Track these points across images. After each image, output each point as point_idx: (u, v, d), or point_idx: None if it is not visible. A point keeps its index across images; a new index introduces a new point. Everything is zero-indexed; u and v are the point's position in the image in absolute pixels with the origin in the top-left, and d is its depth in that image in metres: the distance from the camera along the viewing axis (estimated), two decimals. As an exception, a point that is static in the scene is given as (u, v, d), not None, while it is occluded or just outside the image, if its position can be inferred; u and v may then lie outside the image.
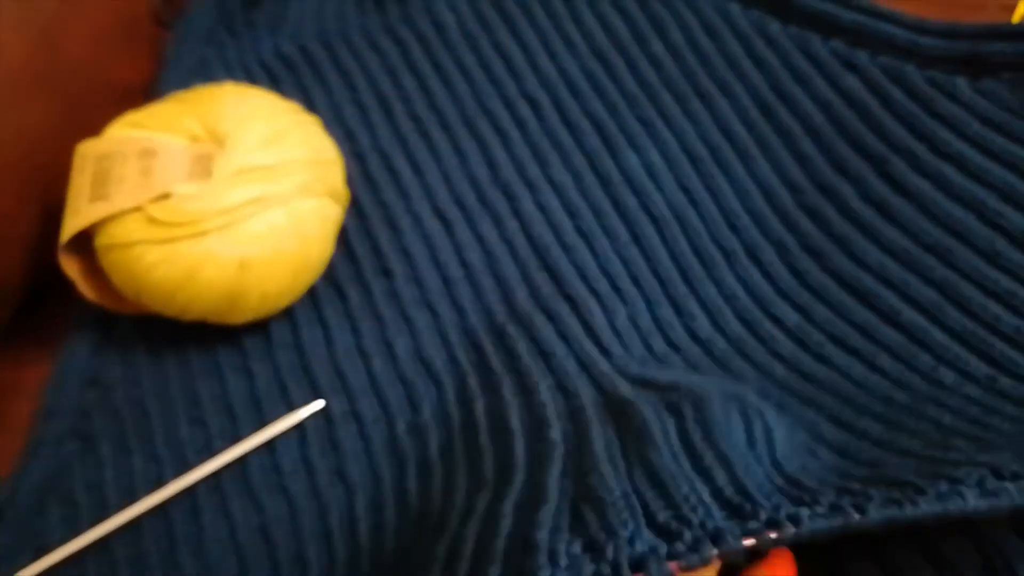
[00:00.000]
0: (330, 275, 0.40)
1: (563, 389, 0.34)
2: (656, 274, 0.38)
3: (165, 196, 0.35)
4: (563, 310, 0.37)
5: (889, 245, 0.37)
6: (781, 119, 0.42)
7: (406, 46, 0.48)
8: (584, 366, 0.35)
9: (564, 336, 0.36)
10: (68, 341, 0.40)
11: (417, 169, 0.43)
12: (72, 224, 0.36)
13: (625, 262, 0.39)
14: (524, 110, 0.44)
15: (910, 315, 0.35)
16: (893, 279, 0.36)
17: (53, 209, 0.39)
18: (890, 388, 0.34)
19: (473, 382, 0.36)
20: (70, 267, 0.37)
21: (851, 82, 0.42)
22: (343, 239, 0.41)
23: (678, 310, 0.37)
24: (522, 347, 0.36)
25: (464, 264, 0.40)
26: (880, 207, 0.38)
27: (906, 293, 0.36)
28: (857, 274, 0.37)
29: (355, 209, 0.42)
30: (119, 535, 0.35)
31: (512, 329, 0.37)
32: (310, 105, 0.46)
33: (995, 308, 0.35)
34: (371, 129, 0.45)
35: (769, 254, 0.38)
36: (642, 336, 0.37)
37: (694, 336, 0.37)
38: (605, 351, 0.36)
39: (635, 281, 0.38)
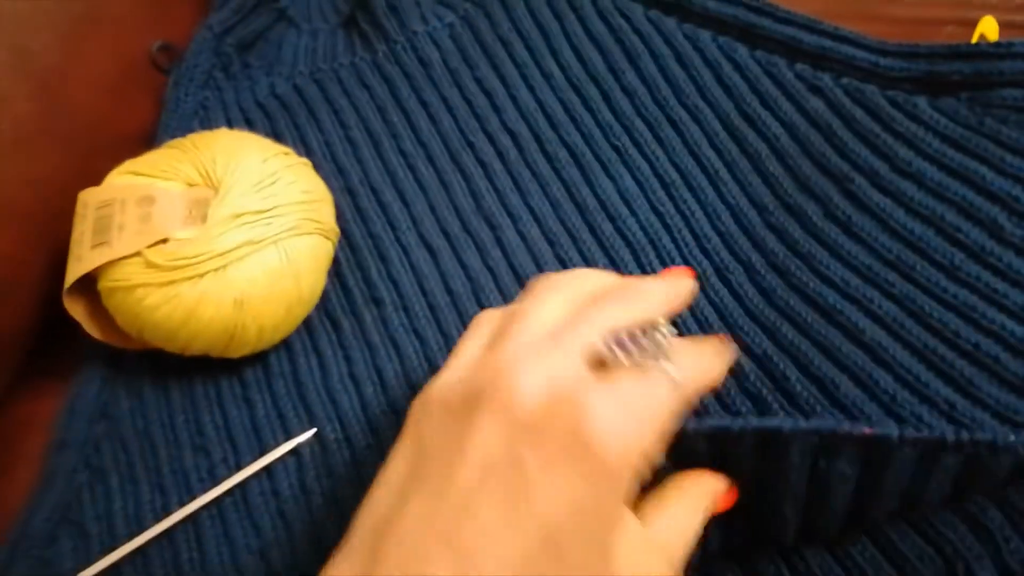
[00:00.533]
0: (324, 306, 0.43)
1: None
2: None
3: (163, 241, 0.38)
4: None
5: (852, 261, 0.39)
6: (749, 142, 0.44)
7: (393, 83, 0.50)
8: None
9: None
10: (78, 376, 0.43)
11: (405, 201, 0.45)
12: (75, 270, 0.38)
13: None
14: (505, 141, 0.46)
15: (873, 332, 0.37)
16: (856, 295, 0.38)
17: (61, 252, 0.41)
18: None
19: None
20: (75, 309, 0.40)
21: (815, 104, 0.44)
22: (336, 271, 0.44)
23: None
24: None
25: (449, 291, 0.42)
26: (843, 225, 0.40)
27: (869, 309, 0.37)
28: (821, 290, 0.38)
29: (347, 241, 0.45)
30: (128, 561, 0.37)
31: None
32: (304, 142, 0.49)
33: (955, 322, 0.36)
34: (361, 164, 0.47)
35: (738, 274, 0.40)
36: None
37: None
38: None
39: None
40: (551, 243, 0.43)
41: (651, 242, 0.42)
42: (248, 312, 0.38)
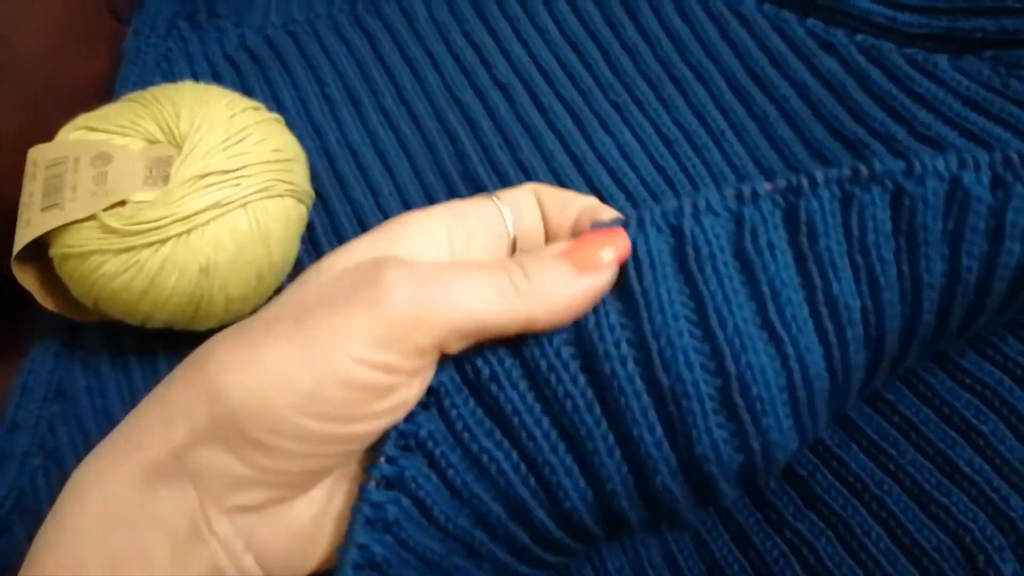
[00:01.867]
0: (297, 275, 0.39)
1: None
2: None
3: (121, 203, 0.34)
4: None
5: None
6: (756, 103, 0.41)
7: (375, 37, 0.46)
8: None
9: None
10: (31, 351, 0.39)
11: (386, 164, 0.42)
12: (23, 235, 0.35)
13: None
14: (495, 97, 0.43)
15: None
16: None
17: (9, 215, 0.38)
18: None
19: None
20: (25, 278, 0.36)
21: (828, 63, 0.41)
22: (310, 237, 0.40)
23: None
24: None
25: (434, 262, 0.39)
26: None
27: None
28: None
29: (323, 206, 0.41)
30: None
31: None
32: (277, 99, 0.45)
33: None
34: (339, 123, 0.44)
35: None
36: None
37: None
38: None
39: None
40: None
41: (653, 197, 0.39)
42: (215, 280, 0.35)
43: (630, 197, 0.39)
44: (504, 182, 0.40)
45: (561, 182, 0.40)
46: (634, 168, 0.40)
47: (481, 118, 0.42)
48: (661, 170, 0.39)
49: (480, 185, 0.40)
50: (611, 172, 0.39)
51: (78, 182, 0.35)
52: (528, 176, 0.40)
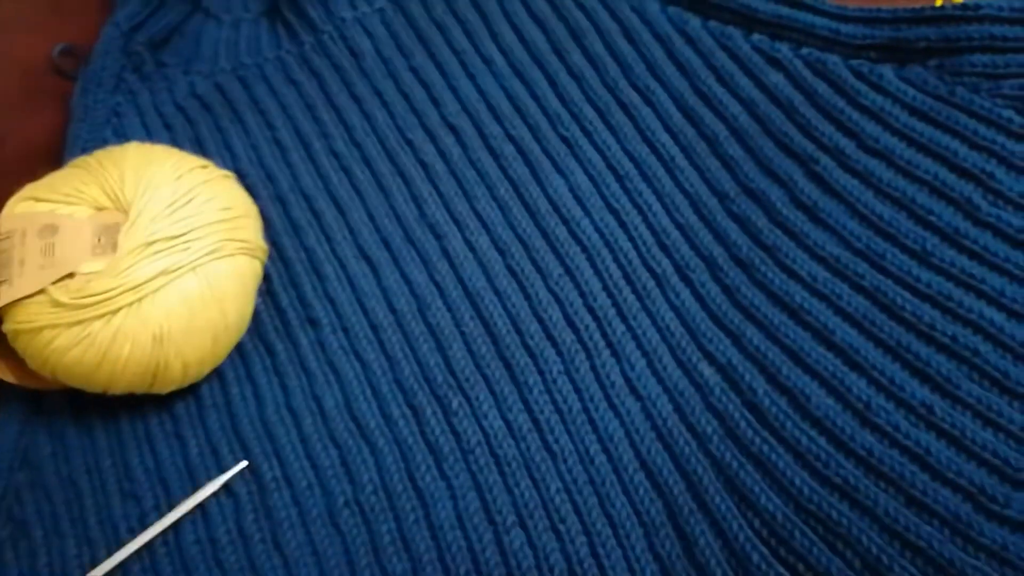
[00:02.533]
0: (257, 329, 0.39)
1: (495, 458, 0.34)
2: (591, 311, 0.37)
3: (70, 275, 0.34)
4: (501, 376, 0.36)
5: (819, 252, 0.36)
6: (706, 123, 0.41)
7: (322, 77, 0.46)
8: (516, 439, 0.35)
9: (500, 406, 0.36)
10: (-4, 421, 0.39)
11: (340, 209, 0.42)
12: (-27, 314, 0.35)
13: (560, 302, 0.38)
14: (447, 139, 0.43)
15: (843, 332, 0.34)
16: (824, 290, 0.35)
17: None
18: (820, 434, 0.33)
19: (416, 453, 0.35)
20: (-19, 355, 0.36)
21: (775, 78, 0.41)
22: (268, 289, 0.40)
23: (616, 354, 0.36)
24: (462, 414, 0.35)
25: (392, 309, 0.39)
26: (809, 211, 0.37)
27: (838, 306, 0.35)
28: (788, 287, 0.36)
29: (279, 255, 0.41)
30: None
31: (450, 395, 0.36)
32: (229, 147, 0.45)
33: (929, 314, 0.34)
34: (291, 169, 0.44)
35: (700, 272, 0.37)
36: (581, 395, 0.35)
37: (633, 390, 0.35)
38: (536, 424, 0.35)
39: (570, 324, 0.37)
40: (501, 252, 0.39)
41: (607, 244, 0.39)
42: (169, 348, 0.35)
43: (585, 250, 0.39)
44: (463, 232, 0.40)
45: (518, 237, 0.39)
46: (587, 214, 0.39)
47: (435, 161, 0.42)
48: (614, 211, 0.39)
49: (438, 232, 0.40)
50: (566, 222, 0.39)
51: (25, 256, 0.35)
52: (487, 229, 0.40)
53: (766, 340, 0.35)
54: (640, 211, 0.39)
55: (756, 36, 0.42)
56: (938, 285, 0.34)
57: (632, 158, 0.41)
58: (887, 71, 0.40)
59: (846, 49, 0.41)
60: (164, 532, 0.35)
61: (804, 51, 0.42)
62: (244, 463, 0.36)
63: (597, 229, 0.39)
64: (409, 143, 0.43)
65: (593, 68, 0.43)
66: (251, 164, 0.44)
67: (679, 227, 0.39)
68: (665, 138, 0.41)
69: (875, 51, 0.40)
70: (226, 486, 0.36)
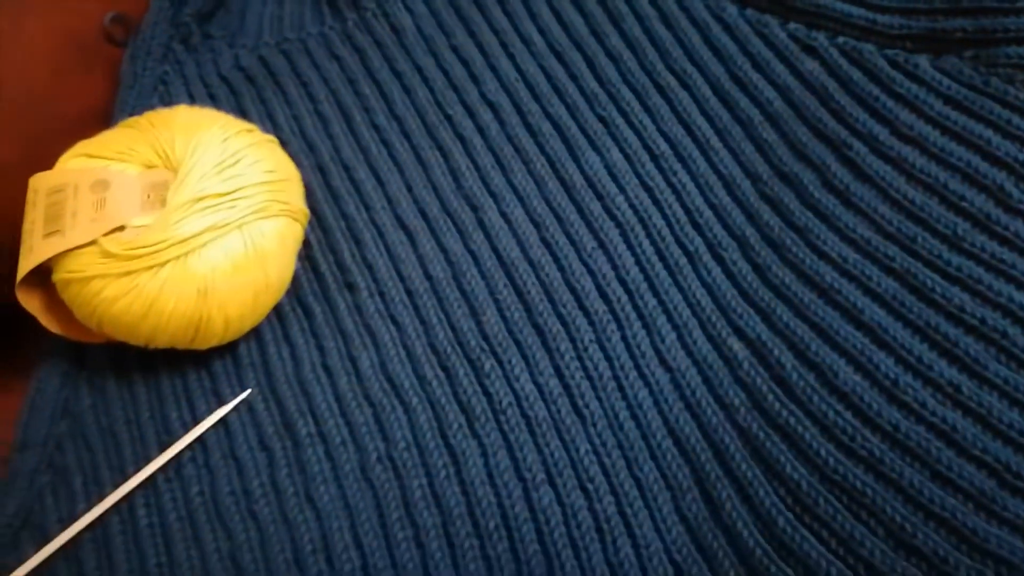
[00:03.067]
0: (295, 292, 0.40)
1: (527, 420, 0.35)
2: (623, 284, 0.38)
3: (120, 228, 0.35)
4: (533, 342, 0.37)
5: (850, 234, 0.37)
6: (741, 108, 0.41)
7: (364, 53, 0.47)
8: (546, 402, 0.35)
9: (531, 370, 0.36)
10: (39, 371, 0.40)
11: (379, 180, 0.43)
12: (27, 262, 0.36)
13: (592, 274, 0.38)
14: (485, 115, 0.44)
15: (872, 311, 0.35)
16: (854, 271, 0.36)
17: (13, 243, 0.39)
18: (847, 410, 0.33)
19: (449, 412, 0.36)
20: (30, 303, 0.37)
21: (810, 66, 0.42)
22: (307, 254, 0.41)
23: (647, 327, 0.37)
24: (493, 376, 0.36)
25: (428, 276, 0.40)
26: (841, 195, 0.38)
27: (867, 286, 0.35)
28: (818, 267, 0.36)
29: (318, 222, 0.42)
30: (92, 556, 0.35)
31: (483, 359, 0.37)
32: (271, 118, 0.46)
33: (959, 296, 0.34)
34: (332, 140, 0.45)
35: (732, 251, 0.38)
36: (611, 363, 0.36)
37: (663, 362, 0.36)
38: (567, 389, 0.36)
39: (602, 295, 0.38)
40: (536, 224, 0.40)
41: (641, 221, 0.39)
42: (213, 302, 0.36)
43: (618, 225, 0.39)
44: (499, 204, 0.41)
45: (553, 210, 0.40)
46: (622, 190, 0.40)
47: (473, 136, 0.43)
48: (649, 189, 0.40)
49: (475, 204, 0.41)
50: (600, 198, 0.40)
51: (78, 208, 0.36)
52: (522, 202, 0.41)
53: (795, 318, 0.35)
54: (674, 190, 0.40)
55: (792, 24, 0.43)
56: (968, 269, 0.35)
57: (668, 139, 0.41)
58: (922, 61, 0.40)
59: (882, 39, 0.41)
60: (201, 482, 0.36)
61: (840, 40, 0.42)
62: (248, 391, 0.37)
63: (631, 206, 0.40)
64: (448, 118, 0.44)
65: (631, 51, 0.44)
66: (293, 135, 0.45)
67: (712, 207, 0.39)
68: (701, 121, 0.42)
69: (911, 41, 0.41)
70: (261, 442, 0.37)
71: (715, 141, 0.41)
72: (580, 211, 0.40)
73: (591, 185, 0.41)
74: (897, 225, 0.36)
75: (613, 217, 0.40)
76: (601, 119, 0.42)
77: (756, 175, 0.40)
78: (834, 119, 0.40)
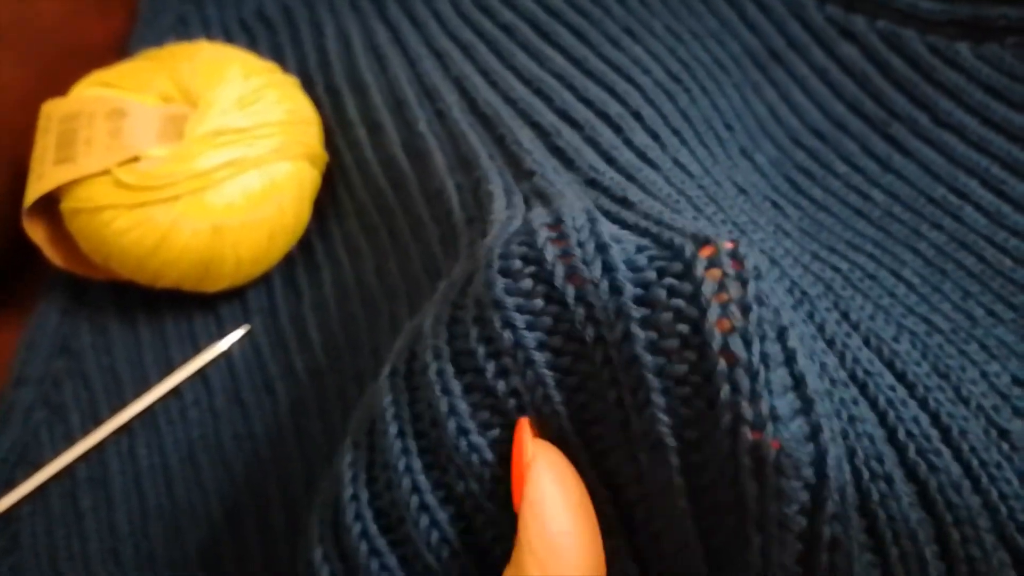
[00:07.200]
0: (307, 239, 0.39)
1: None
2: None
3: (135, 159, 0.34)
4: None
5: (893, 191, 0.36)
6: (778, 79, 0.41)
7: (382, 4, 0.46)
8: None
9: None
10: (38, 307, 0.39)
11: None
12: (36, 188, 0.34)
13: None
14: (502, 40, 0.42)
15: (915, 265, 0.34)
16: (902, 217, 0.35)
17: (20, 170, 0.38)
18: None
19: None
20: (35, 232, 0.36)
21: (848, 50, 0.41)
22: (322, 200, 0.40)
23: None
24: None
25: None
26: (882, 162, 0.37)
27: (918, 230, 0.35)
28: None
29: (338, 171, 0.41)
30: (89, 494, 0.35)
31: None
32: (285, 69, 0.45)
33: (1006, 261, 0.34)
34: (352, 92, 0.43)
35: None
36: None
37: None
38: None
39: None
40: None
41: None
42: (226, 240, 0.35)
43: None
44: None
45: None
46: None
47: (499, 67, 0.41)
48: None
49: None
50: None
51: (92, 136, 0.34)
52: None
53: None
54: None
55: (830, 7, 0.42)
56: (1014, 243, 0.34)
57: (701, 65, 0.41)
58: (963, 48, 0.40)
59: (923, 24, 0.41)
60: (203, 424, 0.35)
61: (879, 24, 0.41)
62: (247, 327, 0.37)
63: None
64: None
65: (668, 30, 0.43)
66: (307, 87, 0.44)
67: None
68: (739, 75, 0.41)
69: (952, 28, 0.40)
70: (266, 384, 0.36)
71: (748, 92, 0.41)
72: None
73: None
74: (942, 193, 0.36)
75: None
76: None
77: (794, 132, 0.39)
78: (872, 101, 0.39)
